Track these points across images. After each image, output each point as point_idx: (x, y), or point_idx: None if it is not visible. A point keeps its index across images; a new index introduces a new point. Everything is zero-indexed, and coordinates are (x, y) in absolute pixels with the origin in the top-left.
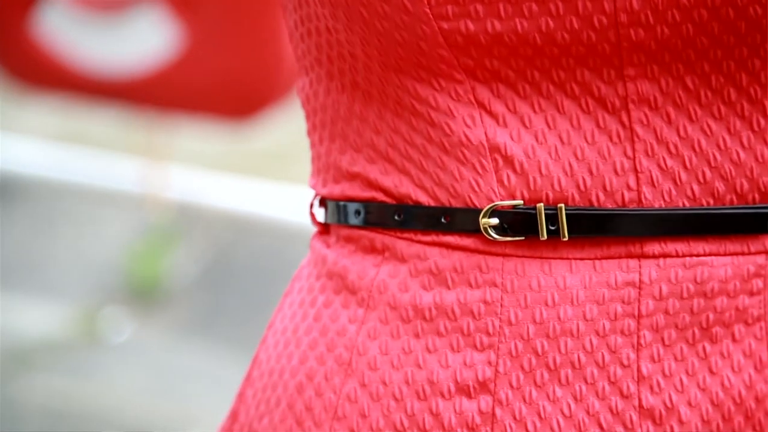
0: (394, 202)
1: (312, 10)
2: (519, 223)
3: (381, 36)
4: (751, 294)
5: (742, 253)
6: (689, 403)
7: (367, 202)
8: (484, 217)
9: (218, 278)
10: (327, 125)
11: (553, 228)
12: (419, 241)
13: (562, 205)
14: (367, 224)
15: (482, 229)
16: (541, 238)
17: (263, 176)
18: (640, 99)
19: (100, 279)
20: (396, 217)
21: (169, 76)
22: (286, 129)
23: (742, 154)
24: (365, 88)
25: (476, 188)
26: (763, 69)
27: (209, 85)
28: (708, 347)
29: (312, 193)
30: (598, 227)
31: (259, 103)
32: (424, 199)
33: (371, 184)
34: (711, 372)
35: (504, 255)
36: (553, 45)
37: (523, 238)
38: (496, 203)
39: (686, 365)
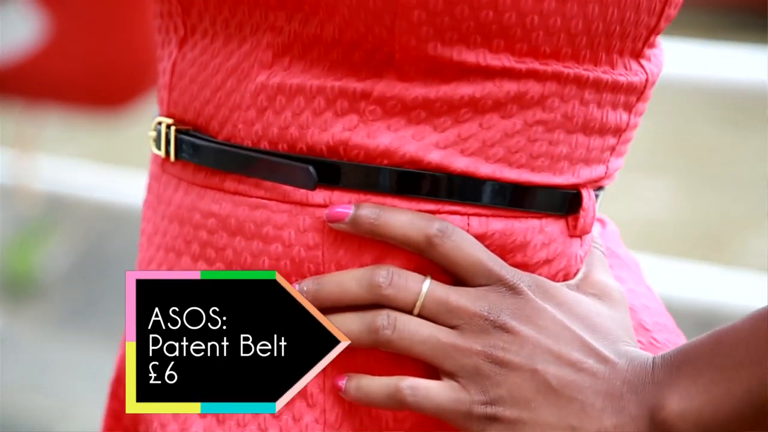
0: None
1: None
2: (158, 139)
3: None
4: (308, 248)
5: (301, 204)
6: None
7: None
8: (152, 129)
9: (91, 270)
10: None
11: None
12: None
13: (174, 127)
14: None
15: (150, 139)
16: (161, 155)
17: (134, 166)
18: (268, 44)
19: None
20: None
21: (37, 65)
22: None
23: (323, 105)
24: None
25: (160, 103)
26: (347, 30)
27: (78, 75)
28: None
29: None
30: (195, 155)
31: (130, 93)
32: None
33: None
34: None
35: (162, 169)
36: None
37: (161, 152)
38: (160, 118)
39: None
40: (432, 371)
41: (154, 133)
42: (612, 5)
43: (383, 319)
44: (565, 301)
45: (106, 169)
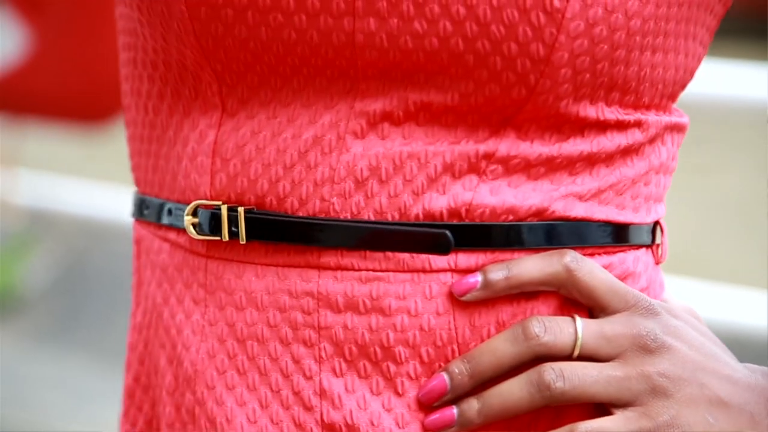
0: (145, 192)
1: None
2: (210, 223)
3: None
4: (438, 314)
5: (424, 271)
6: (372, 422)
7: (134, 193)
8: (188, 214)
9: (73, 285)
10: None
11: (236, 230)
12: (156, 235)
13: (242, 208)
14: (131, 215)
15: (185, 225)
16: (223, 239)
17: (116, 181)
18: (361, 112)
19: None
20: (144, 210)
21: (19, 80)
22: None
23: (439, 169)
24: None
25: (194, 187)
26: (474, 94)
27: (61, 90)
28: (393, 367)
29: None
30: (275, 234)
31: (112, 108)
32: (165, 192)
33: (133, 169)
34: (397, 393)
35: (207, 256)
36: (294, 55)
37: (219, 238)
38: (199, 201)
39: (371, 383)
40: (586, 408)
41: (193, 219)
42: (690, 55)
43: (549, 372)
44: (689, 320)
45: (88, 184)
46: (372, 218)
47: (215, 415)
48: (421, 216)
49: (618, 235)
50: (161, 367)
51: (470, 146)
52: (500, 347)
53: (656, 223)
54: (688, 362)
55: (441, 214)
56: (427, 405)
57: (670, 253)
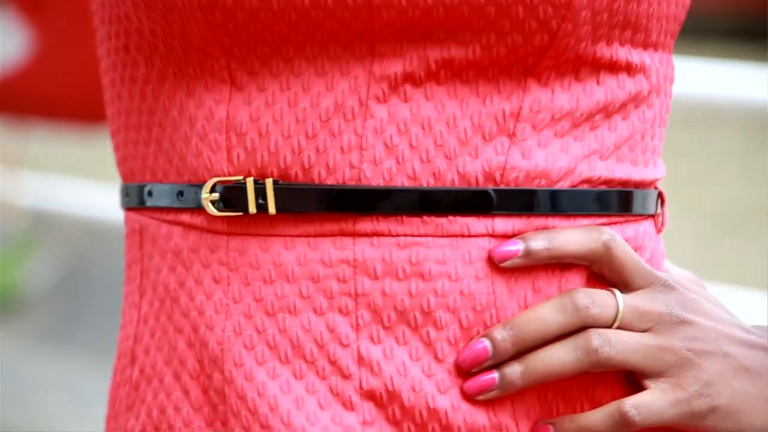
0: (146, 180)
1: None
2: (234, 197)
3: (150, 9)
4: (477, 279)
5: (462, 235)
6: (413, 388)
7: (127, 184)
8: (206, 191)
9: (75, 286)
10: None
11: (263, 202)
12: (164, 220)
13: (270, 179)
14: (127, 206)
15: (204, 203)
16: (251, 212)
17: (119, 182)
18: (381, 76)
19: None
20: (146, 198)
21: (20, 81)
22: None
23: (469, 132)
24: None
25: (209, 165)
26: (497, 45)
27: (64, 91)
28: (433, 332)
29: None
30: (306, 203)
31: None
32: (172, 176)
33: (123, 160)
34: (437, 359)
35: (228, 233)
36: (307, 21)
37: (241, 213)
38: (217, 178)
39: (410, 349)
40: (616, 379)
41: (211, 195)
42: None
43: (597, 338)
44: (699, 290)
45: (91, 185)
46: (405, 185)
47: (245, 391)
48: (456, 181)
49: (633, 202)
50: (179, 352)
51: (496, 106)
52: (548, 316)
53: (659, 194)
54: (710, 334)
55: (476, 178)
56: (466, 370)
57: (672, 257)
